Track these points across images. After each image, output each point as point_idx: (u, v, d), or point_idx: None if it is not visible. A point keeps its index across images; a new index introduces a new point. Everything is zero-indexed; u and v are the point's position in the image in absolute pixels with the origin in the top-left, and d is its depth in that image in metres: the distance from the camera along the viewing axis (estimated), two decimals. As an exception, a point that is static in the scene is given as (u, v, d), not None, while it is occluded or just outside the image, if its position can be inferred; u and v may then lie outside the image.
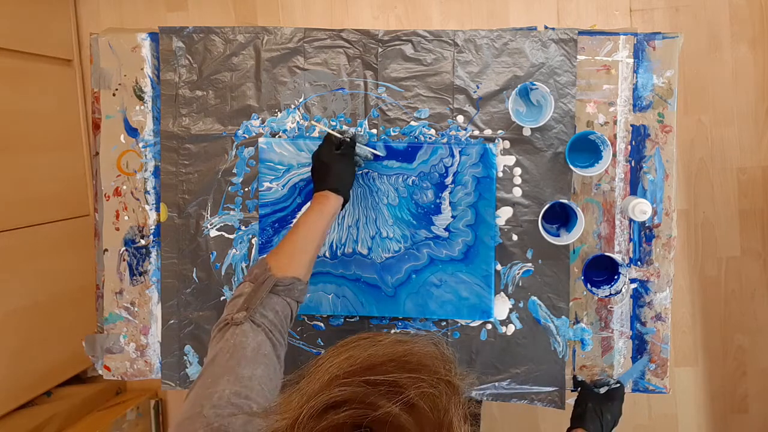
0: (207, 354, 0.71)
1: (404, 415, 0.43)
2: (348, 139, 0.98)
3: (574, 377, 1.06)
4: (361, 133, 1.06)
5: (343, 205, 0.97)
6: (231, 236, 1.08)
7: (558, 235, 1.01)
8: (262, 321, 0.73)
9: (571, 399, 1.04)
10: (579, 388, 1.04)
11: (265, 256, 0.85)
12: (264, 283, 0.77)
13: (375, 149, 1.04)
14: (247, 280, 0.79)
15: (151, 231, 1.11)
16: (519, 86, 0.99)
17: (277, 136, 1.08)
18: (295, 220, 1.04)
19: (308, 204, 0.96)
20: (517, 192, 1.05)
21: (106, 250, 1.11)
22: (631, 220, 1.05)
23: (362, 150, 1.01)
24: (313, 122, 1.06)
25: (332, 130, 1.02)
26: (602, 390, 1.01)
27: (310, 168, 1.01)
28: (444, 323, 1.07)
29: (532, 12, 1.80)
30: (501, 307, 1.05)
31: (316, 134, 1.07)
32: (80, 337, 1.13)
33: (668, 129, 1.04)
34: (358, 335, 0.51)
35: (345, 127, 1.07)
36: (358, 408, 0.43)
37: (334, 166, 0.95)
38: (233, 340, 0.69)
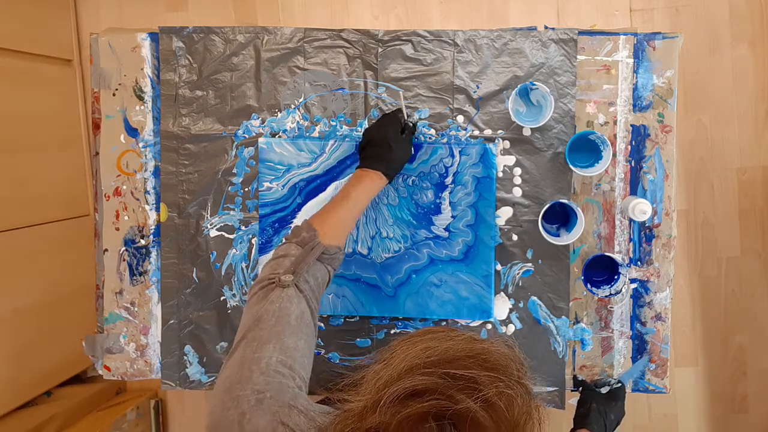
0: (245, 312, 0.71)
1: (482, 412, 0.44)
2: (411, 124, 0.96)
3: (575, 377, 1.06)
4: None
5: None
6: (231, 236, 1.08)
7: (558, 235, 1.01)
8: (305, 287, 0.73)
9: (571, 399, 1.04)
10: (580, 388, 1.04)
11: (308, 219, 0.83)
12: (313, 249, 0.77)
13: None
14: (293, 241, 0.79)
15: (151, 231, 1.11)
16: (519, 86, 0.99)
17: (277, 136, 1.08)
18: (339, 190, 0.97)
19: (345, 179, 0.93)
20: (517, 192, 1.05)
21: (106, 250, 1.11)
22: (631, 220, 1.05)
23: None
24: (400, 94, 1.04)
25: (405, 106, 0.98)
26: (604, 390, 1.01)
27: (362, 139, 0.96)
28: (444, 323, 1.07)
29: (532, 12, 1.80)
30: (501, 307, 1.05)
31: (316, 134, 1.07)
32: (80, 337, 1.13)
33: (668, 129, 1.04)
34: (434, 327, 0.52)
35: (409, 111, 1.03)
36: (440, 399, 0.44)
37: (396, 150, 0.93)
38: (279, 304, 0.69)
